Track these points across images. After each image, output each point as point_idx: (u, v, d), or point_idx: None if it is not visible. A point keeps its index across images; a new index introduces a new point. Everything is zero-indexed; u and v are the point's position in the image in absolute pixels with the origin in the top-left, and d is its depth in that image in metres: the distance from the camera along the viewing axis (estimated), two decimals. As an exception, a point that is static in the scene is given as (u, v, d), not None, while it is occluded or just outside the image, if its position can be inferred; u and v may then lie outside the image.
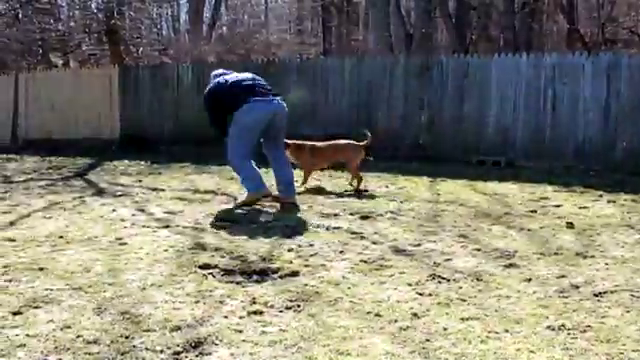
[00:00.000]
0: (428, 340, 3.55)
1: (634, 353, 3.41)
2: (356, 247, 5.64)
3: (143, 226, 6.53)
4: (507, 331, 3.67)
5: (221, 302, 4.17)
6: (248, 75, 8.20)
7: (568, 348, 3.45)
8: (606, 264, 5.12)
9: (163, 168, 11.60)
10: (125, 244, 5.75)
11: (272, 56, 22.37)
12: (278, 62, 15.84)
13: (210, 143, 13.50)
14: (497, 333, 3.64)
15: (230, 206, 7.69)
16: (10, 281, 4.61)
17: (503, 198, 8.30)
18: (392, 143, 12.75)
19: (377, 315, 3.93)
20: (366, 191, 8.72)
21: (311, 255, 5.36)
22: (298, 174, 8.98)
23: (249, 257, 5.26)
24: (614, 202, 7.99)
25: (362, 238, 5.99)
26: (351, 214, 7.11)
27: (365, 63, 13.74)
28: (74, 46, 25.33)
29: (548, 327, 3.73)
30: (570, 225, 6.53)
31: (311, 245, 5.69)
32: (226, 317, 3.89)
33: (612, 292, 4.39)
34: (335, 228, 6.39)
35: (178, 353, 3.39)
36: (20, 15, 23.58)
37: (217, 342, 3.52)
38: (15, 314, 3.92)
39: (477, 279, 4.69)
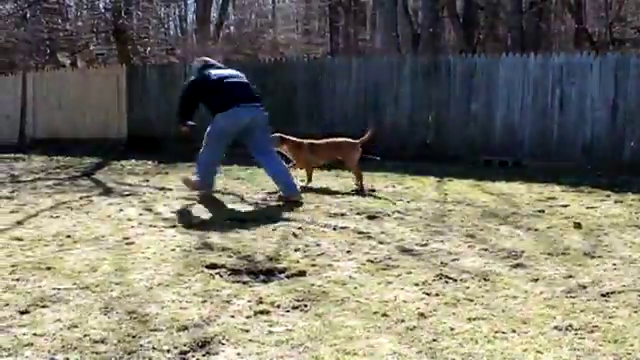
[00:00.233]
0: (435, 340, 3.54)
1: (642, 354, 3.40)
2: (363, 247, 5.64)
3: (150, 226, 6.54)
4: (514, 331, 3.66)
5: (228, 302, 4.17)
6: (234, 74, 8.34)
7: (575, 348, 3.43)
8: (614, 264, 5.11)
9: (170, 168, 11.62)
10: (132, 244, 5.75)
11: (279, 56, 22.40)
12: (285, 62, 15.86)
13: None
14: (504, 333, 3.63)
15: (236, 206, 7.68)
16: (17, 280, 4.62)
17: (510, 198, 8.29)
18: (399, 143, 12.75)
19: (384, 315, 3.93)
20: (373, 190, 8.71)
21: (318, 255, 5.36)
22: (301, 175, 9.01)
23: (256, 257, 5.26)
24: (622, 202, 7.97)
25: (369, 238, 5.99)
26: (358, 214, 7.11)
27: (372, 63, 13.74)
28: (82, 46, 25.41)
29: (555, 327, 3.72)
30: (577, 225, 6.51)
31: (318, 245, 5.68)
32: (233, 317, 3.89)
33: (620, 292, 4.37)
34: (342, 228, 6.38)
35: (185, 353, 3.39)
36: (28, 15, 23.67)
37: (224, 342, 3.52)
38: (22, 313, 3.93)
39: (484, 279, 4.68)
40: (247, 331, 3.66)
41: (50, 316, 3.88)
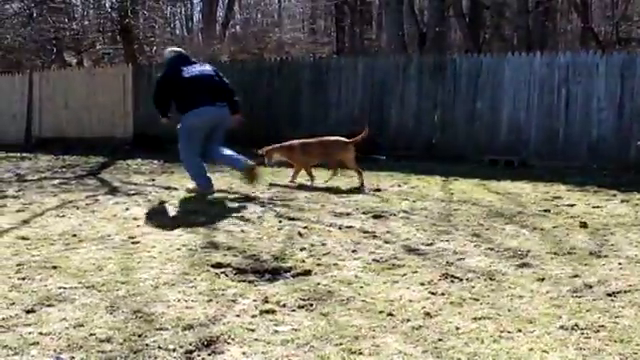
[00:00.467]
0: (441, 339, 3.54)
1: (648, 353, 3.39)
2: (369, 246, 5.63)
3: (156, 225, 6.54)
4: (520, 331, 3.65)
5: (233, 301, 4.17)
6: (205, 72, 8.51)
7: (581, 348, 3.42)
8: (620, 264, 5.09)
9: (176, 167, 11.60)
10: (138, 243, 5.76)
11: (285, 55, 22.39)
12: (291, 61, 15.87)
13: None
14: (510, 333, 3.62)
15: (242, 205, 7.69)
16: (23, 279, 4.63)
17: (516, 197, 8.27)
18: (405, 142, 12.75)
19: (389, 314, 3.92)
20: (378, 190, 8.70)
21: (324, 254, 5.35)
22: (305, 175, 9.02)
23: (261, 256, 5.26)
24: (628, 201, 7.95)
25: (374, 237, 5.98)
26: (364, 213, 7.10)
27: (378, 62, 13.75)
28: (88, 45, 25.45)
29: (561, 327, 3.71)
30: (583, 224, 6.50)
31: (323, 244, 5.68)
32: (238, 316, 3.89)
33: (626, 292, 4.35)
34: (348, 227, 6.38)
35: (190, 352, 3.39)
36: (35, 14, 23.71)
37: (229, 341, 3.52)
38: (28, 312, 3.93)
39: (490, 278, 4.67)
40: (253, 330, 3.66)
41: (56, 315, 3.89)
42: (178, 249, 5.51)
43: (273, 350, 3.41)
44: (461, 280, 4.63)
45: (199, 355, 3.36)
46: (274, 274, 4.82)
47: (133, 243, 5.75)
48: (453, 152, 12.33)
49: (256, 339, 3.55)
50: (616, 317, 3.87)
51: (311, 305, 4.08)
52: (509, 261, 5.17)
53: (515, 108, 12.10)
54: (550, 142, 11.78)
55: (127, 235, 6.05)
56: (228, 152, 8.56)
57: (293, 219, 6.78)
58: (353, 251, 5.47)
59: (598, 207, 7.59)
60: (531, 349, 3.41)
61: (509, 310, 4.00)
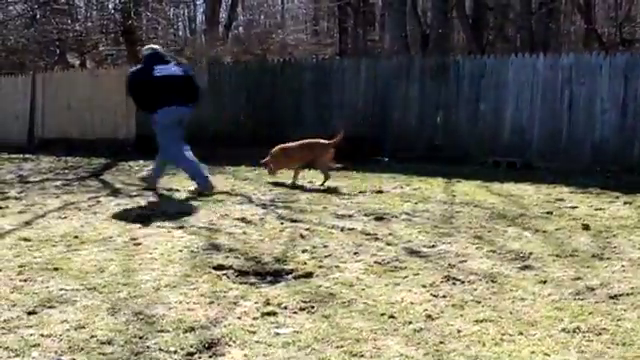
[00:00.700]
0: (442, 342, 3.53)
1: (650, 357, 3.38)
2: (370, 248, 5.63)
3: (157, 227, 6.54)
4: (522, 334, 3.65)
5: (235, 303, 4.17)
6: (176, 73, 8.84)
7: (583, 351, 3.42)
8: (622, 266, 5.08)
9: (178, 169, 11.61)
10: (139, 244, 5.76)
11: (288, 56, 22.39)
12: (294, 62, 15.85)
13: (225, 144, 13.58)
14: (511, 335, 3.62)
15: (244, 207, 7.68)
16: (25, 281, 4.64)
17: (519, 199, 8.26)
18: (407, 143, 12.73)
19: (391, 317, 3.92)
20: (380, 192, 8.70)
21: (325, 256, 5.35)
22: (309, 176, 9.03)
23: (263, 258, 5.26)
24: (630, 203, 7.93)
25: (376, 239, 5.98)
26: (365, 215, 7.10)
27: (381, 63, 13.72)
28: (91, 46, 25.45)
29: (563, 330, 3.71)
30: (586, 227, 6.48)
31: (325, 246, 5.68)
32: (240, 318, 3.89)
33: (628, 294, 4.35)
34: (349, 229, 6.38)
35: (191, 354, 3.39)
36: (38, 16, 23.72)
37: (230, 343, 3.52)
38: (30, 314, 3.94)
39: (492, 281, 4.67)
40: (254, 332, 3.66)
41: (57, 317, 3.89)
42: (179, 251, 5.52)
43: (274, 352, 3.41)
44: (463, 282, 4.63)
45: (200, 357, 3.37)
46: (275, 276, 4.82)
47: (135, 245, 5.76)
48: (456, 153, 12.29)
49: (257, 341, 3.55)
50: (618, 320, 3.86)
51: (312, 307, 4.08)
52: (511, 263, 5.16)
53: (518, 109, 12.07)
54: (553, 143, 11.75)
55: (129, 237, 6.05)
56: (194, 166, 8.81)
57: (295, 221, 6.78)
58: (355, 253, 5.47)
59: (601, 209, 7.57)
60: (533, 352, 3.40)
61: (511, 313, 3.99)
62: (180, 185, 9.32)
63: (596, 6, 25.76)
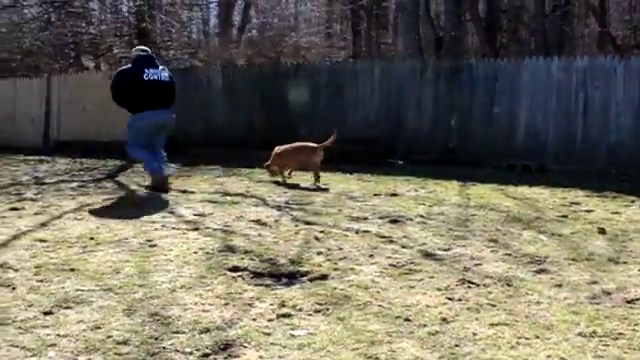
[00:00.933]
0: (457, 345, 3.52)
1: (668, 361, 3.36)
2: (385, 251, 5.62)
3: (173, 228, 6.56)
4: (537, 337, 3.63)
5: (250, 305, 4.17)
6: (163, 78, 9.10)
7: (600, 355, 3.40)
8: (639, 270, 5.05)
9: (193, 170, 11.66)
10: (155, 246, 5.77)
11: (301, 59, 22.42)
12: (308, 65, 15.88)
13: (239, 146, 13.62)
14: (527, 339, 3.60)
15: (259, 209, 7.69)
16: (42, 281, 4.66)
17: (534, 203, 8.23)
18: (421, 147, 12.73)
19: (406, 320, 3.91)
20: (395, 194, 8.69)
21: (340, 259, 5.35)
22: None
23: (278, 260, 5.26)
24: (646, 207, 7.90)
25: (391, 242, 5.97)
26: (380, 218, 7.09)
27: (394, 66, 13.75)
28: (105, 49, 25.55)
29: (579, 334, 3.69)
30: (602, 230, 6.45)
31: (340, 249, 5.68)
32: (255, 320, 3.89)
33: (645, 299, 4.33)
34: (364, 232, 6.37)
35: (207, 355, 3.39)
36: (53, 19, 23.84)
37: (246, 344, 3.52)
38: (46, 314, 3.96)
39: (507, 284, 4.65)
40: (269, 334, 3.66)
41: (73, 317, 3.90)
42: (195, 252, 5.52)
43: (289, 354, 3.41)
44: (478, 286, 4.61)
45: (215, 358, 3.37)
46: (291, 278, 4.82)
47: (150, 246, 5.76)
48: (470, 157, 12.28)
49: (272, 343, 3.55)
50: (635, 324, 3.84)
51: (328, 309, 4.08)
52: (526, 267, 5.14)
53: (532, 112, 12.05)
54: (568, 147, 11.72)
55: (144, 238, 6.06)
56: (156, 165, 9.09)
57: (310, 223, 6.78)
58: (370, 256, 5.46)
59: (617, 213, 7.54)
60: (549, 356, 3.39)
61: (526, 316, 3.98)
62: (196, 187, 9.34)
63: (610, 9, 25.64)
